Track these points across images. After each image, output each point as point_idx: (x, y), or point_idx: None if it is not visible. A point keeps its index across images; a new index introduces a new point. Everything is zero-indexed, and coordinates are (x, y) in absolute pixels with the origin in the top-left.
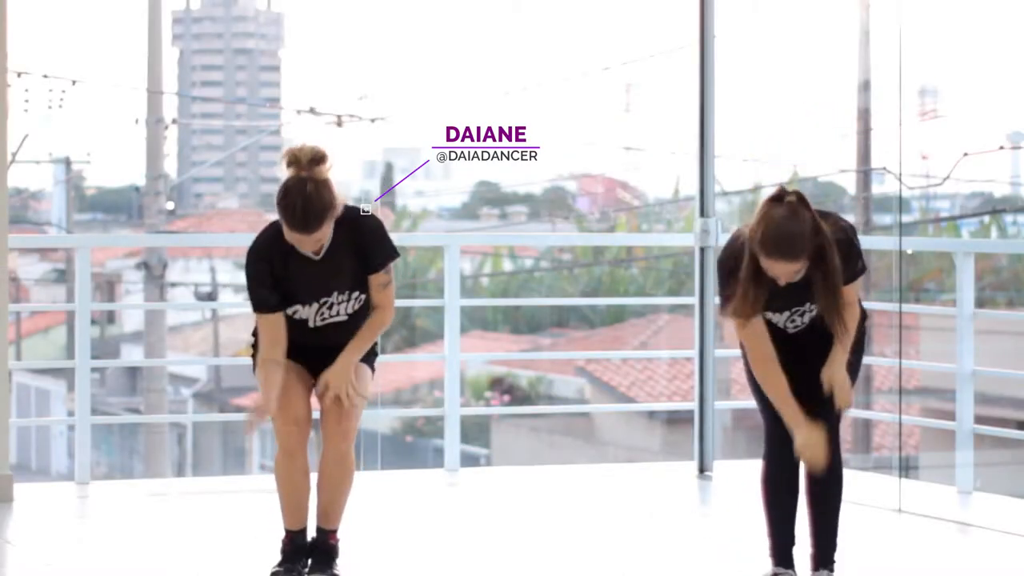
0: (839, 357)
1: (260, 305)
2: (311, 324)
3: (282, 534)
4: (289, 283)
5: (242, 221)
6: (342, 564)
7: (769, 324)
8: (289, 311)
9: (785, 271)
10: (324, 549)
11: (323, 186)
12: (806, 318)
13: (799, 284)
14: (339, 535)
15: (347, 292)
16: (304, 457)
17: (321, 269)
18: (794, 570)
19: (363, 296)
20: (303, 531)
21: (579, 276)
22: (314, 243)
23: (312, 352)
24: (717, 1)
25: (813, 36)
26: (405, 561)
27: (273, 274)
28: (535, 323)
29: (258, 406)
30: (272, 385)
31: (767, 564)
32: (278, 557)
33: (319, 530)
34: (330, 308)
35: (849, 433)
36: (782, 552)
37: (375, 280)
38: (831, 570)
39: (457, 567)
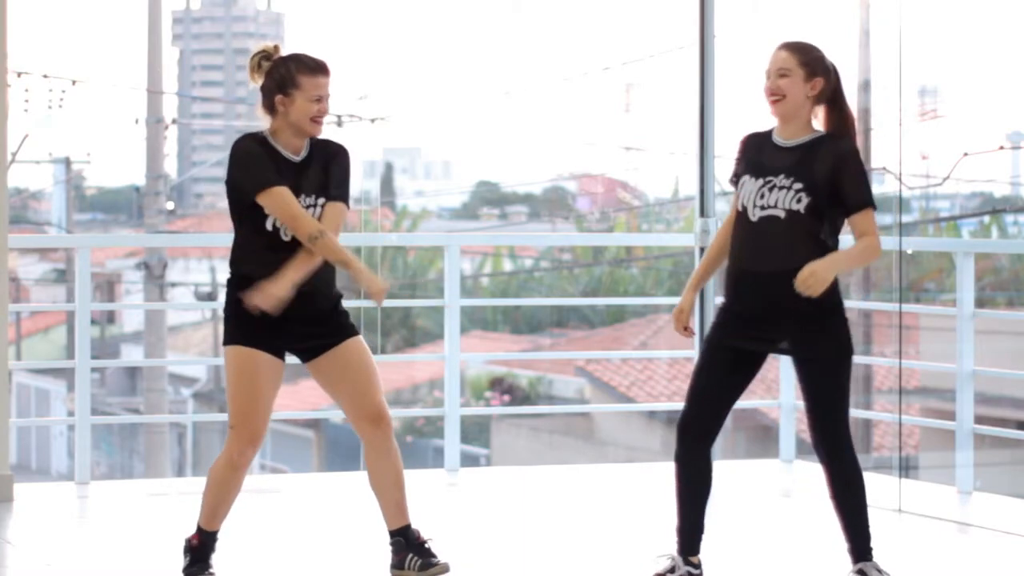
0: (833, 256)
1: (270, 182)
2: (283, 235)
3: (194, 530)
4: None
5: None
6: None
7: (741, 215)
8: (268, 219)
9: (774, 60)
10: (418, 545)
11: None
12: (776, 199)
13: (787, 154)
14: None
15: (314, 196)
16: (246, 471)
17: (297, 171)
18: (697, 557)
19: (321, 200)
20: (215, 532)
21: (579, 276)
22: (329, 87)
23: (274, 328)
24: (717, 1)
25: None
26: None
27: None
28: (535, 323)
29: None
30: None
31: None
32: (187, 557)
33: (406, 529)
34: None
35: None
36: (688, 539)
37: (330, 209)
38: (869, 559)
39: (457, 567)
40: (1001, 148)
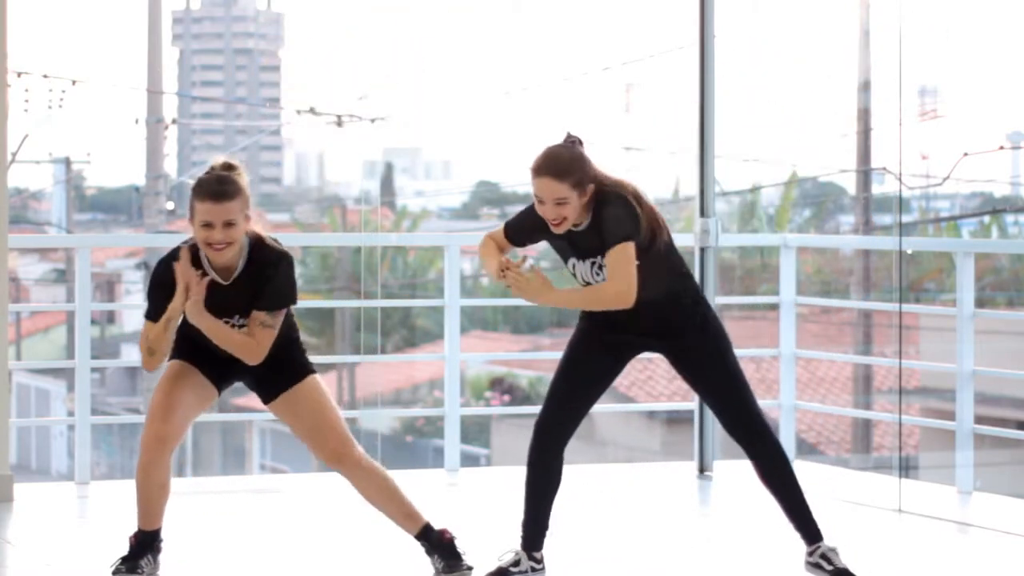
0: (565, 292)
1: (147, 313)
2: (211, 342)
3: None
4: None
5: None
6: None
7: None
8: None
9: (553, 190)
10: (442, 545)
11: (237, 175)
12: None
13: (587, 238)
14: (438, 526)
15: (240, 318)
16: (161, 470)
17: (226, 293)
18: (540, 553)
19: (243, 321)
20: (155, 532)
21: None
22: (225, 214)
23: (218, 358)
24: (717, 1)
25: (813, 36)
26: (405, 561)
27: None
28: (535, 323)
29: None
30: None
31: (517, 545)
32: (124, 551)
33: (426, 531)
34: (232, 328)
35: (849, 433)
36: (532, 536)
37: (256, 315)
38: (821, 539)
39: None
40: (1001, 148)
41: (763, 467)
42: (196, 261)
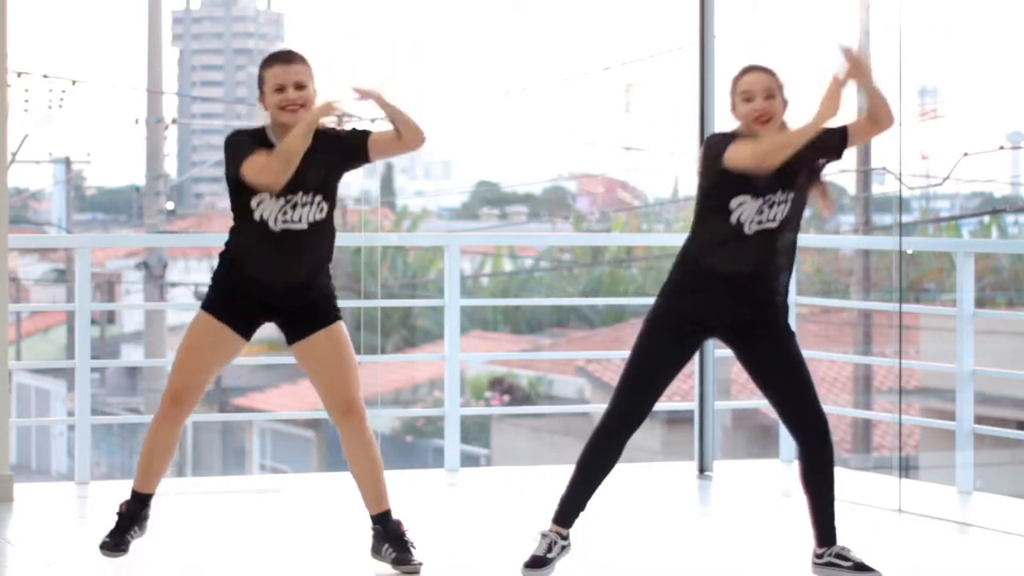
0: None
1: (246, 155)
2: (272, 225)
3: (127, 497)
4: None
5: None
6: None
7: (735, 228)
8: (254, 202)
9: (760, 82)
10: (396, 536)
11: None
12: (776, 213)
13: (782, 171)
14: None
15: (312, 194)
16: (171, 428)
17: (299, 167)
18: (568, 531)
19: (325, 205)
20: (146, 497)
21: (579, 276)
22: (295, 75)
23: (266, 292)
24: (717, 1)
25: (813, 36)
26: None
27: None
28: (535, 323)
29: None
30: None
31: (548, 522)
32: (113, 520)
33: (386, 516)
34: (293, 208)
35: (849, 433)
36: (567, 513)
37: (375, 136)
38: (835, 543)
39: (457, 567)
40: (1001, 148)
41: (812, 461)
42: (266, 141)
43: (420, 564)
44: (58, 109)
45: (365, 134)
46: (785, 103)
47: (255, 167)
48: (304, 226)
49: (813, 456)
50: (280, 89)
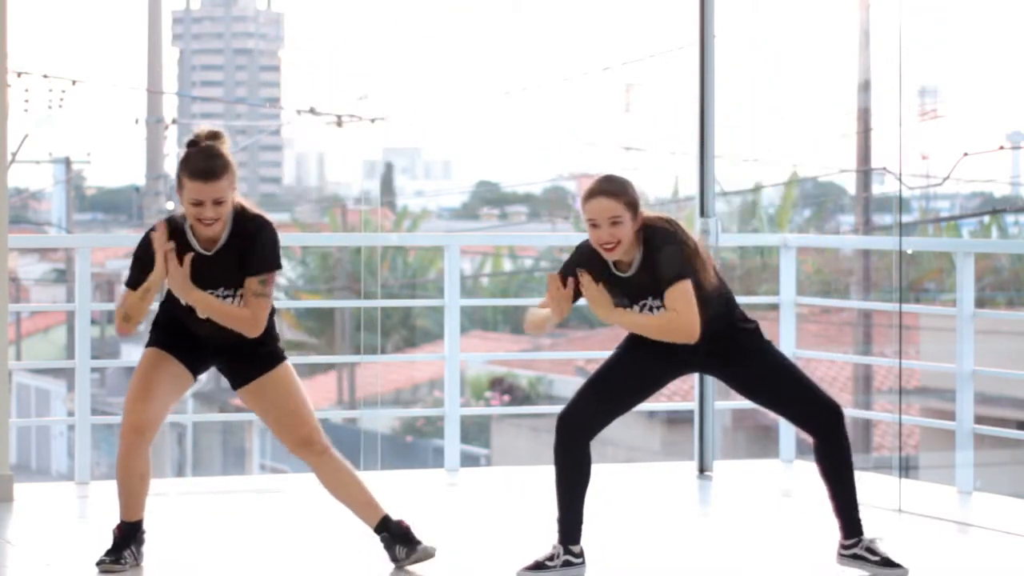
0: (635, 315)
1: (128, 280)
2: (199, 313)
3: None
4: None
5: None
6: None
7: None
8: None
9: (604, 210)
10: (402, 534)
11: (222, 146)
12: (655, 312)
13: (637, 281)
14: (395, 516)
15: (233, 289)
16: (140, 459)
17: (211, 264)
18: (579, 547)
19: (236, 299)
20: (137, 522)
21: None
22: (215, 193)
23: (201, 342)
24: (717, 1)
25: (813, 36)
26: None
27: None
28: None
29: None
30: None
31: (555, 541)
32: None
33: (385, 522)
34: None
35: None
36: (565, 530)
37: (248, 285)
38: (863, 533)
39: (457, 567)
40: (1001, 148)
41: (824, 449)
42: (180, 233)
43: (434, 548)
44: (58, 109)
45: (260, 270)
46: (636, 217)
47: (123, 300)
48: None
49: (824, 444)
50: (198, 204)
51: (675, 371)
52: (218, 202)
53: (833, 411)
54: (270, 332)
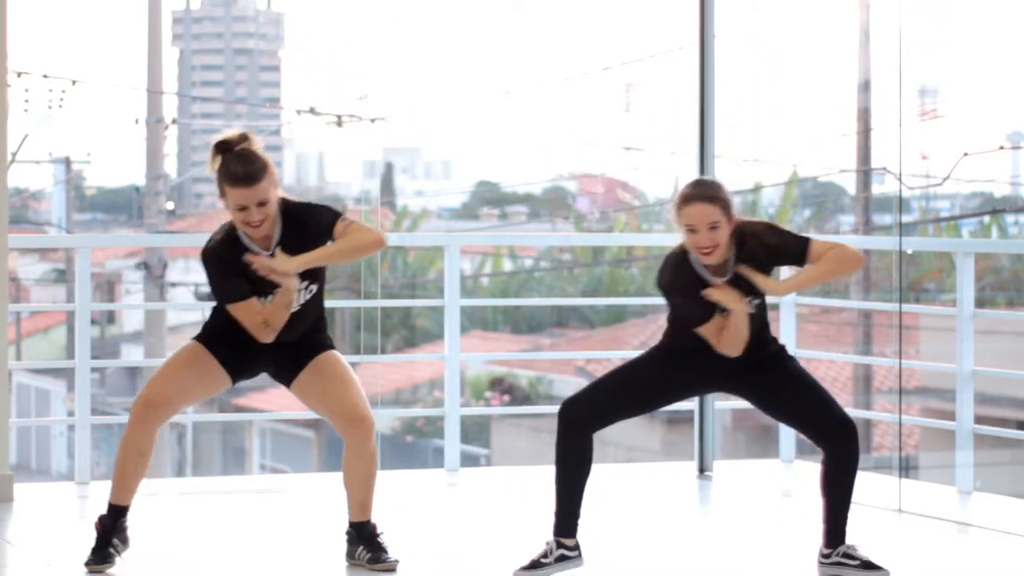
0: (800, 275)
1: (232, 295)
2: (290, 305)
3: (104, 510)
4: (244, 278)
5: None
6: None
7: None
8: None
9: (702, 216)
10: (370, 538)
11: (253, 147)
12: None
13: (732, 283)
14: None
15: (307, 281)
16: (144, 435)
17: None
18: (573, 540)
19: (314, 287)
20: (122, 509)
21: (579, 276)
22: (258, 195)
23: (254, 349)
24: (717, 1)
25: (813, 36)
26: (405, 561)
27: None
28: (535, 323)
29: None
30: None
31: (550, 534)
32: (94, 536)
33: (361, 524)
34: None
35: None
36: (560, 523)
37: (336, 234)
38: (844, 543)
39: (457, 567)
40: (1001, 148)
41: (836, 465)
42: (236, 242)
43: (396, 561)
44: (58, 109)
45: (332, 221)
46: (731, 220)
47: (242, 316)
48: (296, 307)
49: (836, 458)
50: (243, 209)
51: (702, 386)
52: (262, 203)
53: (850, 431)
54: (323, 319)
